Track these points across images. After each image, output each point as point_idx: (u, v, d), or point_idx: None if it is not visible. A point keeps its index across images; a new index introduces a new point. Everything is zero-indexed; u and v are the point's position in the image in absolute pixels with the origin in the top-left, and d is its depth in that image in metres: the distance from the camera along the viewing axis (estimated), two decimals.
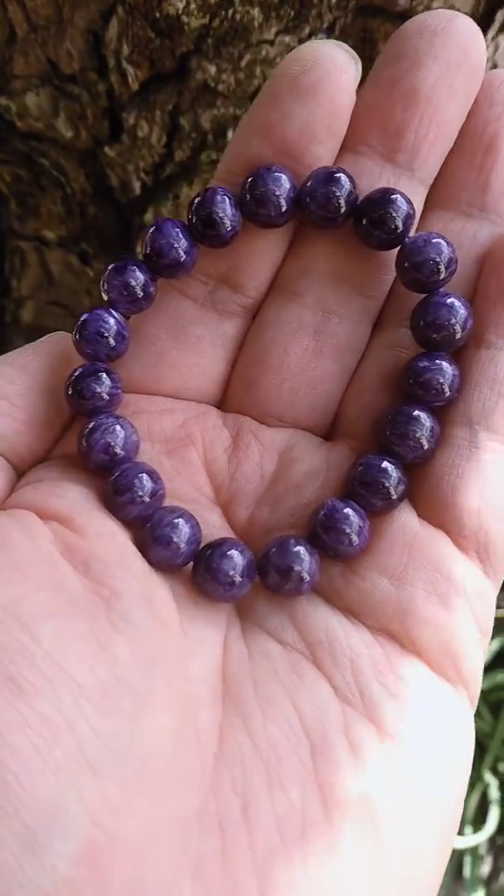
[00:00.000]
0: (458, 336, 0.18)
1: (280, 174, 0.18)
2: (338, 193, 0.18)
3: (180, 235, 0.19)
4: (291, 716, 0.15)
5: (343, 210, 0.18)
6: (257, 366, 0.19)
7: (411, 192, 0.18)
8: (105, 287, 0.19)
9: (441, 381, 0.18)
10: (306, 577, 0.17)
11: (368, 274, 0.19)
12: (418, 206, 0.19)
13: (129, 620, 0.15)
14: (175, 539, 0.17)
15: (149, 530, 0.17)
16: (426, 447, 0.18)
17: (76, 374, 0.18)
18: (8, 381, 0.18)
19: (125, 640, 0.14)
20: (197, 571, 0.17)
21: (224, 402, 0.20)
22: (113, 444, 0.18)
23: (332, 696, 0.16)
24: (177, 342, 0.19)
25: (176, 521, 0.17)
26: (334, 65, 0.17)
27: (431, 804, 0.15)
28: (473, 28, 0.17)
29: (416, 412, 0.18)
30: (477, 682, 0.17)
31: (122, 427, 0.18)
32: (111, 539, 0.16)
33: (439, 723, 0.16)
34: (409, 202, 0.18)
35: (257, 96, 0.18)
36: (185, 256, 0.19)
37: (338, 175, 0.18)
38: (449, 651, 0.16)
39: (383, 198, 0.18)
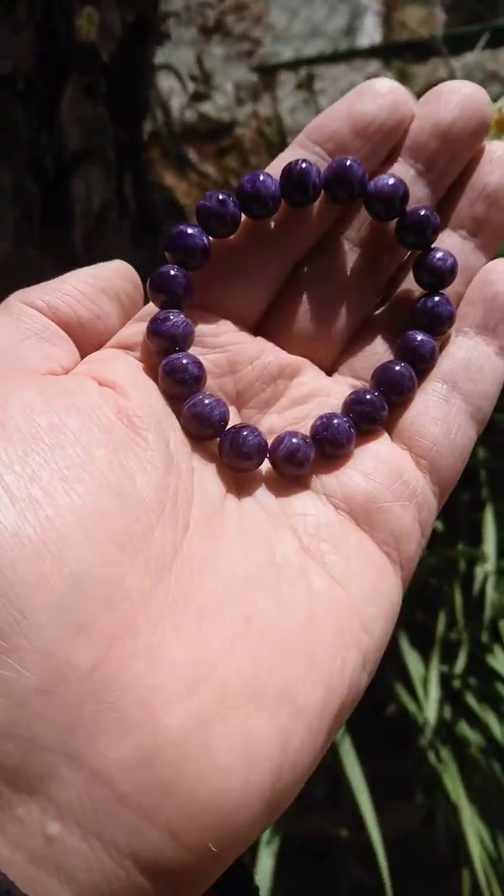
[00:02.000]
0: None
1: (358, 166, 0.23)
2: (396, 197, 0.23)
3: (273, 186, 0.23)
4: (261, 548, 0.20)
5: (395, 212, 0.24)
6: (291, 300, 0.24)
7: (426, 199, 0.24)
8: (202, 208, 0.23)
9: (423, 351, 0.23)
10: (305, 462, 0.22)
11: (393, 255, 0.25)
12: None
13: (155, 463, 0.19)
14: (208, 416, 0.21)
15: (190, 407, 0.21)
16: (406, 393, 0.23)
17: (160, 270, 0.22)
18: (84, 282, 0.22)
19: (148, 475, 0.19)
20: (223, 444, 0.22)
21: (257, 326, 0.24)
22: (176, 335, 0.22)
23: (297, 547, 0.20)
24: (229, 265, 0.24)
25: (211, 402, 0.21)
26: (401, 93, 0.23)
27: (369, 623, 0.20)
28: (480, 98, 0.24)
29: (403, 367, 0.23)
30: (410, 569, 0.22)
31: (186, 324, 0.22)
32: (151, 406, 0.21)
33: (376, 579, 0.21)
34: (437, 220, 0.23)
35: (346, 95, 0.24)
36: (271, 204, 0.23)
37: (399, 186, 0.23)
38: (395, 535, 0.21)
39: (422, 216, 0.23)
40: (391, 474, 0.22)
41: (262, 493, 0.22)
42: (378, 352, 0.25)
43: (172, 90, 1.01)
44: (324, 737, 0.19)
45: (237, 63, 1.58)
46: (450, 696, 0.72)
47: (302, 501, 0.22)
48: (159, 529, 0.18)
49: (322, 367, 0.25)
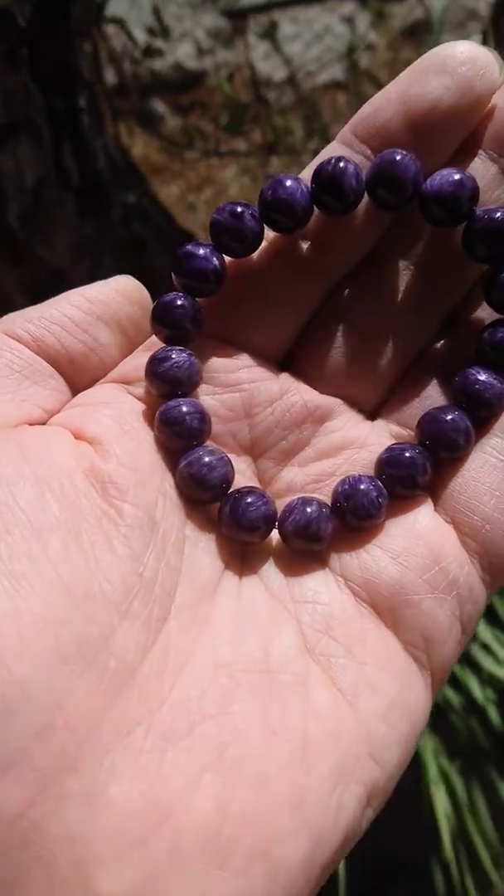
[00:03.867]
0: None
1: (411, 161, 0.18)
2: (461, 198, 0.18)
3: (301, 194, 0.19)
4: (255, 646, 0.17)
5: (460, 217, 0.19)
6: (325, 331, 0.20)
7: None
8: (214, 224, 0.19)
9: (488, 395, 0.19)
10: (322, 537, 0.18)
11: (459, 273, 0.20)
12: None
13: (128, 544, 0.16)
14: (205, 478, 0.18)
15: (186, 466, 0.18)
16: (460, 450, 0.19)
17: (163, 298, 0.19)
18: (78, 308, 0.19)
19: (117, 561, 0.16)
20: (222, 512, 0.19)
21: (285, 360, 0.21)
22: (178, 377, 0.19)
23: (299, 645, 0.17)
24: (250, 289, 0.20)
25: (210, 461, 0.18)
26: (480, 63, 0.18)
27: (380, 748, 0.16)
28: None
29: (457, 417, 0.19)
30: (445, 673, 0.18)
31: (190, 364, 0.19)
32: (136, 466, 0.17)
33: (396, 691, 0.17)
34: None
35: (403, 73, 0.19)
36: (300, 214, 0.19)
37: (465, 182, 0.18)
38: (425, 636, 0.17)
39: (497, 219, 0.18)
40: (426, 558, 0.18)
41: (269, 568, 0.19)
42: (432, 395, 0.20)
43: (131, 42, 0.97)
44: (309, 892, 0.15)
45: (205, 8, 1.51)
46: None
47: (314, 584, 0.18)
48: (122, 632, 0.15)
49: (362, 410, 0.21)
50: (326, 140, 1.06)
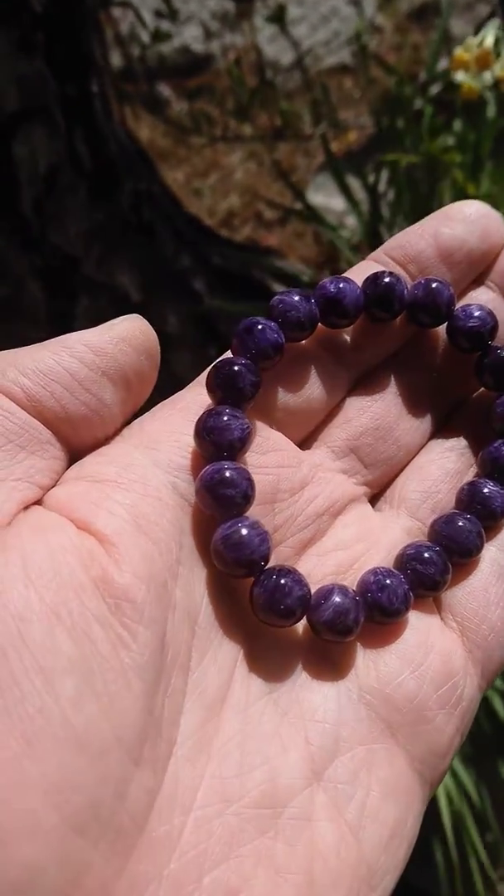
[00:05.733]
0: None
1: (448, 291, 0.21)
2: (483, 334, 0.21)
3: (357, 299, 0.21)
4: (261, 773, 0.16)
5: (479, 348, 0.21)
6: (356, 410, 0.21)
7: None
8: (281, 306, 0.20)
9: (494, 507, 0.20)
10: (354, 628, 0.18)
11: (468, 385, 0.22)
12: None
13: (143, 676, 0.15)
14: (249, 556, 0.17)
15: (226, 538, 0.17)
16: (473, 556, 0.19)
17: (226, 362, 0.19)
18: (82, 362, 0.17)
19: (133, 701, 0.14)
20: (257, 593, 0.17)
21: (313, 432, 0.21)
22: (232, 441, 0.18)
23: (306, 771, 0.16)
24: (291, 368, 0.21)
25: (252, 535, 0.17)
26: (493, 218, 0.21)
27: (379, 877, 0.16)
28: None
29: (471, 523, 0.19)
30: (438, 785, 0.18)
31: (247, 428, 0.18)
32: (149, 578, 0.16)
33: (398, 815, 0.17)
34: None
35: (433, 213, 0.22)
36: (352, 314, 0.21)
37: (487, 321, 0.21)
38: (434, 754, 0.17)
39: None
40: (441, 672, 0.18)
41: (279, 676, 0.18)
42: (438, 489, 0.21)
43: (140, 24, 0.96)
44: None
45: None
46: None
47: (323, 699, 0.17)
48: (135, 783, 0.14)
49: (372, 486, 0.22)
50: (335, 125, 1.05)
